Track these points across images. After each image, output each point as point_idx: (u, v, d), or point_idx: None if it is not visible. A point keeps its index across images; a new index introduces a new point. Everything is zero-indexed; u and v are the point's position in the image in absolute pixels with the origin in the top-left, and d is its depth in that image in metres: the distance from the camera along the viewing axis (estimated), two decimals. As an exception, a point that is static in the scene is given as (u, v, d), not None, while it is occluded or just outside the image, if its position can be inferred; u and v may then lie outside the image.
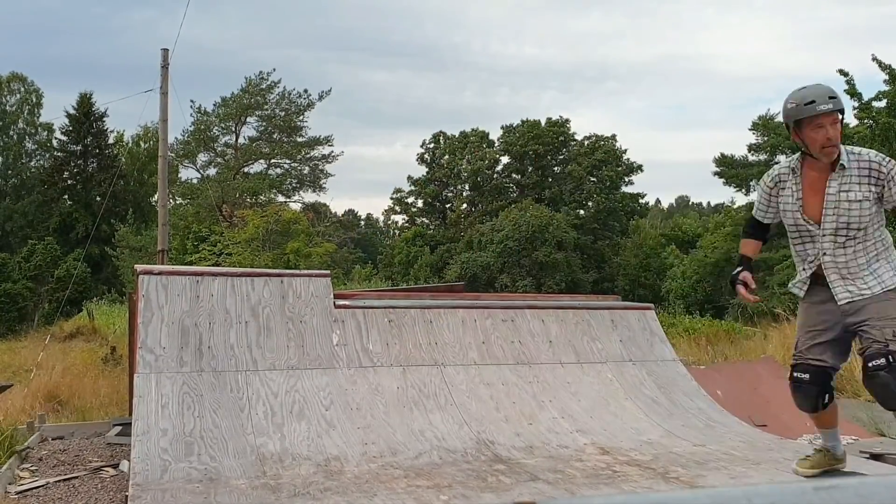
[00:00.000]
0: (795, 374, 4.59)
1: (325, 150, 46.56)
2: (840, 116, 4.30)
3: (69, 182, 49.00)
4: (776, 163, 37.56)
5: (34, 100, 55.53)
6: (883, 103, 16.67)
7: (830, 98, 4.27)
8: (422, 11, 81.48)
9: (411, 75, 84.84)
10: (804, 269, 4.54)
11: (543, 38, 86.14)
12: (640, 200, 47.49)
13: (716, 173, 36.76)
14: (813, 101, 4.24)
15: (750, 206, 37.27)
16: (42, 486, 6.11)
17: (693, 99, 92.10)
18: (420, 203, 51.15)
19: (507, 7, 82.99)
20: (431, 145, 50.44)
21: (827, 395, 4.51)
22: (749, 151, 36.43)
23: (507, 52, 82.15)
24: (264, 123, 45.63)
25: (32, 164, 55.13)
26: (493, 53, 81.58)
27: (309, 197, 47.62)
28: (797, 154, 4.52)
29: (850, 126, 20.17)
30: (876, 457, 6.28)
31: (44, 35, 77.24)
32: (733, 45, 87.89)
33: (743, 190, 36.60)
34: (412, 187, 50.36)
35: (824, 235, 4.38)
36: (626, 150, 46.00)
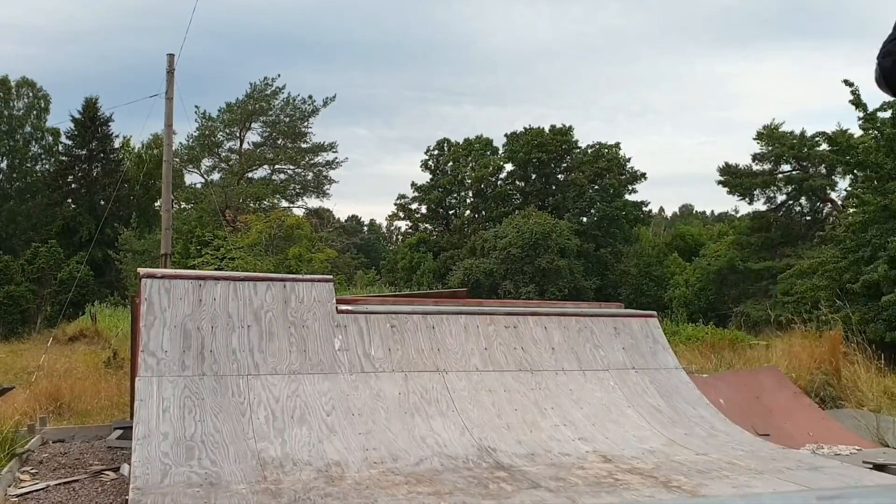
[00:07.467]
0: None
1: (329, 155, 46.65)
2: None
3: (73, 186, 49.06)
4: (780, 173, 37.27)
5: (42, 104, 55.73)
6: (888, 114, 16.65)
7: None
8: (497, 60, 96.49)
9: (473, 109, 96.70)
10: None
11: (597, 81, 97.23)
12: (644, 208, 47.45)
13: (720, 182, 36.73)
14: None
15: (753, 214, 37.17)
16: (42, 489, 6.10)
17: (716, 125, 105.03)
18: (424, 209, 51.13)
19: (569, 60, 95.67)
20: (436, 152, 50.47)
21: None
22: (753, 161, 36.41)
23: (563, 91, 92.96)
24: (268, 129, 45.72)
25: (38, 167, 55.26)
26: (550, 92, 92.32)
27: (312, 202, 47.72)
28: None
29: (855, 136, 20.18)
30: (879, 467, 6.26)
31: (54, 38, 79.91)
32: (760, 87, 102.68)
33: (747, 199, 36.55)
34: (416, 193, 50.36)
35: None
36: (629, 159, 46.00)
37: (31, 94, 55.44)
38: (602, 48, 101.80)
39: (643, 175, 46.05)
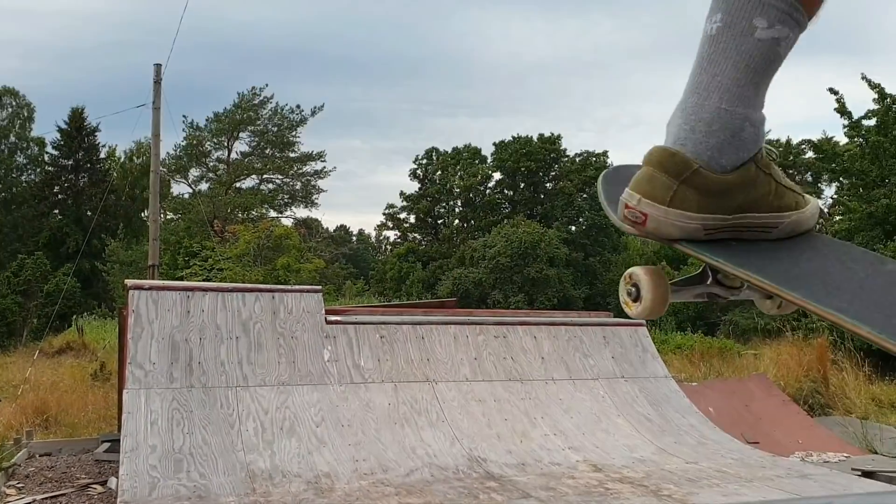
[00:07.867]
0: None
1: (318, 165, 46.69)
2: None
3: (60, 197, 48.82)
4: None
5: (26, 114, 55.40)
6: (873, 122, 16.81)
7: None
8: (494, 77, 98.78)
9: (468, 120, 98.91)
10: None
11: (590, 95, 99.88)
12: (632, 217, 47.60)
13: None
14: None
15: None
16: (29, 503, 6.04)
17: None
18: (412, 219, 51.12)
19: (564, 74, 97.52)
20: (424, 161, 50.51)
21: None
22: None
23: (558, 104, 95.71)
24: (256, 139, 45.69)
25: (23, 178, 54.89)
26: (545, 105, 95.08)
27: (301, 212, 47.70)
28: None
29: (840, 144, 20.35)
30: (868, 474, 6.29)
31: (40, 49, 80.00)
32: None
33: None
34: (404, 203, 50.36)
35: None
36: (617, 167, 46.19)
37: (14, 104, 55.15)
38: (595, 63, 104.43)
39: (631, 184, 46.23)
